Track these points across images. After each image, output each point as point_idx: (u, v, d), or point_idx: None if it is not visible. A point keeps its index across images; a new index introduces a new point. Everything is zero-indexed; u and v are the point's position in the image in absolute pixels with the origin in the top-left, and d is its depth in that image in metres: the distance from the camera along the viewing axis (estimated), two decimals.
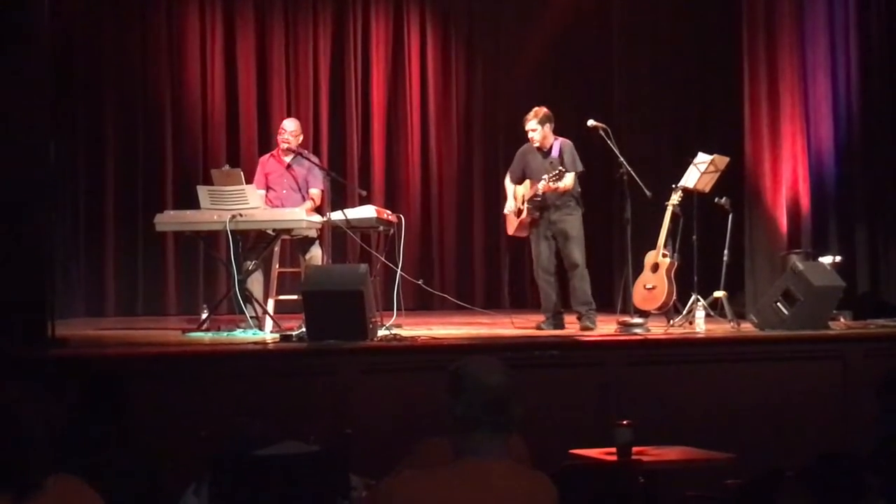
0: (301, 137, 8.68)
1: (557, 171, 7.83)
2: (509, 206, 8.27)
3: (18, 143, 6.33)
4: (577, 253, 8.05)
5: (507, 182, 8.34)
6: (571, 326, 8.11)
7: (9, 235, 6.23)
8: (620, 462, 4.84)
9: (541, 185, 7.88)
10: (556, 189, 7.88)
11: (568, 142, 8.13)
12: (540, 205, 8.03)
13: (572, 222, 8.08)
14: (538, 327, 8.05)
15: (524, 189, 8.14)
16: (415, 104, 11.62)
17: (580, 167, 8.03)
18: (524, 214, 8.10)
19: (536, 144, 8.12)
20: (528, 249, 8.52)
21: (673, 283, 8.21)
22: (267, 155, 8.84)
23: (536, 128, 8.06)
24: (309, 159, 8.56)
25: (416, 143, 11.60)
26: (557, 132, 8.19)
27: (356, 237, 8.28)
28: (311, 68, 11.33)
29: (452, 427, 2.83)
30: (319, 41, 11.38)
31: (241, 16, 11.19)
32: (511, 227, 8.31)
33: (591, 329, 7.85)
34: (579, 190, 8.07)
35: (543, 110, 8.11)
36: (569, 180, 7.90)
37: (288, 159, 8.55)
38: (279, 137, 8.60)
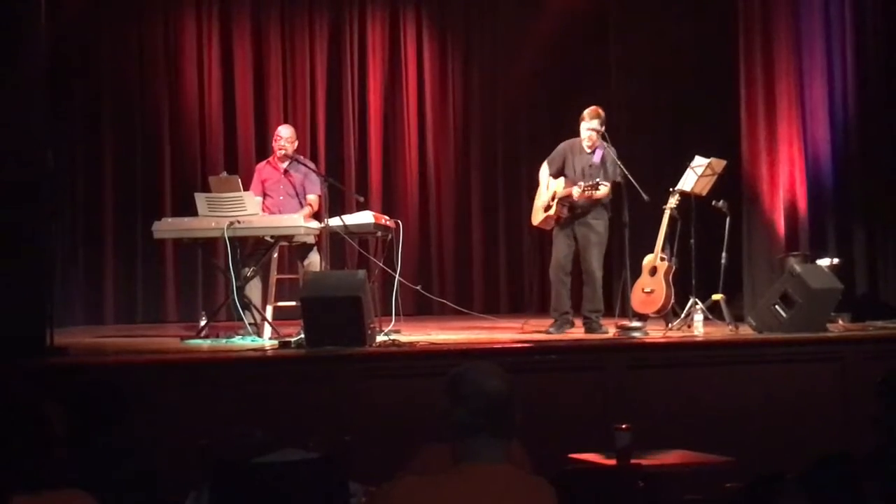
0: (296, 143, 8.70)
1: (594, 182, 7.78)
2: (542, 198, 8.18)
3: (16, 151, 6.33)
4: (596, 260, 8.03)
5: (544, 171, 8.23)
6: (578, 331, 8.10)
7: (7, 244, 6.23)
8: (620, 466, 4.84)
9: (576, 192, 7.85)
10: (590, 198, 7.87)
11: (612, 150, 8.03)
12: (570, 204, 8.00)
13: (597, 227, 8.04)
14: (548, 332, 8.01)
15: (557, 185, 8.07)
16: (412, 110, 11.62)
17: (618, 176, 7.92)
18: (552, 210, 8.05)
19: (588, 144, 8.05)
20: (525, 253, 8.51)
21: (671, 286, 8.21)
22: (263, 162, 8.87)
23: (599, 128, 7.99)
24: (305, 164, 8.57)
25: (413, 149, 11.61)
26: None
27: (354, 243, 8.29)
28: (307, 75, 11.33)
29: (451, 433, 2.82)
30: (316, 48, 11.39)
31: (237, 23, 11.20)
32: (537, 217, 8.27)
33: (605, 333, 7.82)
34: (610, 197, 8.03)
35: (601, 110, 8.06)
36: (604, 191, 7.86)
37: (284, 165, 8.56)
38: (275, 144, 8.61)
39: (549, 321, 8.22)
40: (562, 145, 8.27)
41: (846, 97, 8.91)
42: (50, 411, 2.90)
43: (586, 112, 8.06)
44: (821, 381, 6.85)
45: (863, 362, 6.82)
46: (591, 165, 8.03)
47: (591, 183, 7.80)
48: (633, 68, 10.53)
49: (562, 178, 8.09)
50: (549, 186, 8.16)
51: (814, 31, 8.99)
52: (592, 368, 6.68)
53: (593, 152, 8.06)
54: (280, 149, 8.53)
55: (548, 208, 8.12)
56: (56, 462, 2.85)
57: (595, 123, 7.99)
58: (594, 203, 7.98)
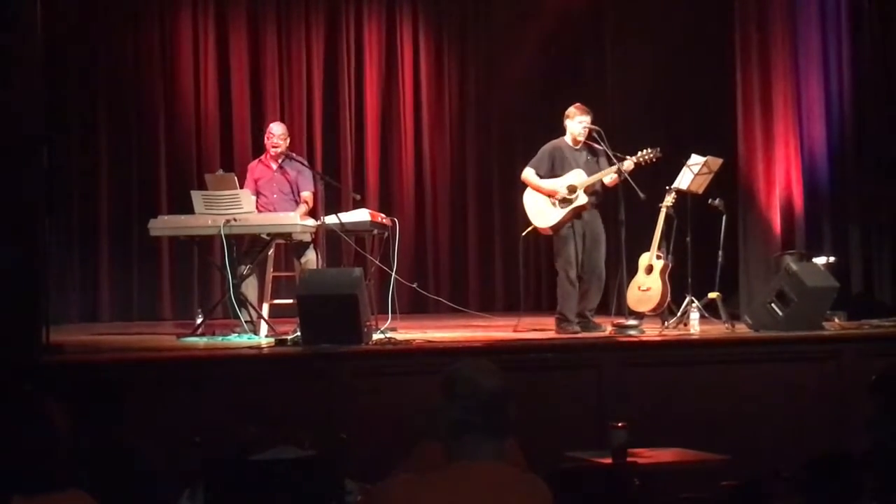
0: (288, 140, 8.68)
1: (652, 150, 7.78)
2: (547, 199, 8.00)
3: (11, 148, 6.32)
4: (603, 259, 7.99)
5: (533, 174, 8.04)
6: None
7: (2, 241, 6.21)
8: (615, 464, 4.85)
9: (629, 163, 7.78)
10: (615, 180, 7.87)
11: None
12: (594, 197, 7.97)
13: (602, 225, 8.03)
14: (575, 331, 7.79)
15: (573, 179, 7.88)
16: (408, 108, 11.62)
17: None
18: (580, 202, 7.85)
19: (582, 138, 7.99)
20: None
21: (667, 284, 8.21)
22: (255, 161, 8.85)
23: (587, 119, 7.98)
24: (297, 160, 8.57)
25: (409, 147, 11.61)
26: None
27: (350, 241, 8.28)
28: (304, 73, 11.33)
29: (447, 431, 2.82)
30: (312, 46, 11.38)
31: (233, 21, 11.19)
32: (548, 219, 7.96)
33: (603, 331, 7.80)
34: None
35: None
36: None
37: (276, 163, 8.56)
38: (268, 142, 8.61)
39: (545, 319, 8.19)
40: (546, 147, 8.10)
41: (842, 96, 8.91)
42: (51, 410, 2.89)
43: (575, 108, 8.01)
44: (816, 380, 6.86)
45: (858, 361, 6.83)
46: (589, 159, 7.99)
47: (648, 152, 7.77)
48: (630, 66, 10.54)
49: (578, 171, 7.89)
50: (559, 186, 7.90)
51: (810, 29, 9.00)
52: (589, 366, 6.68)
53: (590, 148, 8.03)
54: (273, 146, 8.53)
55: (566, 202, 7.85)
56: (56, 462, 2.84)
57: (588, 119, 7.97)
58: (598, 198, 7.98)
